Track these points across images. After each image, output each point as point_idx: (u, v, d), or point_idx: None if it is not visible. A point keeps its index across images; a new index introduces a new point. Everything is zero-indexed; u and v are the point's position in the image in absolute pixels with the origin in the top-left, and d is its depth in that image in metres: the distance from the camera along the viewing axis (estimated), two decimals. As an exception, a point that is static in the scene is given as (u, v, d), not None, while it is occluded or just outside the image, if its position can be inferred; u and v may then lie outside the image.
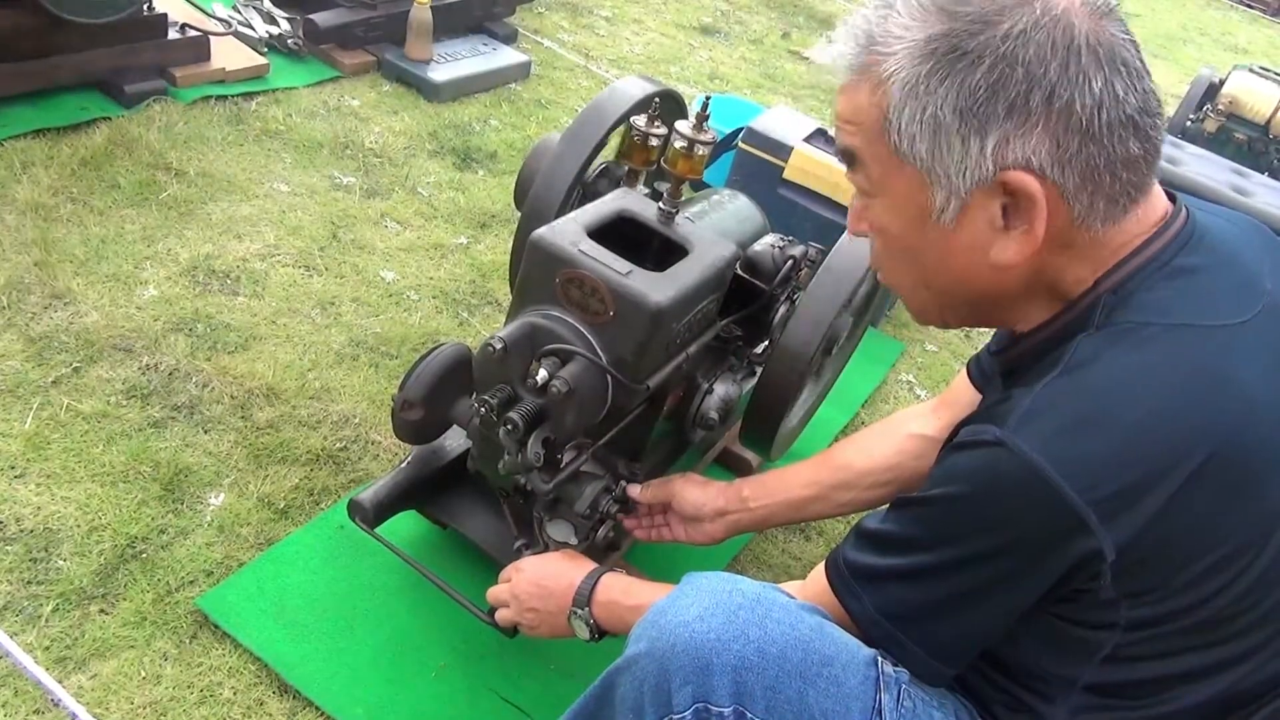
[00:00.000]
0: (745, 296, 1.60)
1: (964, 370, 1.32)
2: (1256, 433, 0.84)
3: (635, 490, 1.50)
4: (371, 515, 1.47)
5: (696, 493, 1.48)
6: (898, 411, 1.54)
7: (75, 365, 1.77)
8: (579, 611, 1.25)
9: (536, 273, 1.36)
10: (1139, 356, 0.85)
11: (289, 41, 2.97)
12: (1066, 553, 0.84)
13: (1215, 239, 0.93)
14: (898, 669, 0.98)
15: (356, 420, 1.84)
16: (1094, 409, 0.83)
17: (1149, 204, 0.91)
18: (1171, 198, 0.95)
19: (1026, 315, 0.96)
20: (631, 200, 1.51)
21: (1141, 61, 0.85)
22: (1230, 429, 0.83)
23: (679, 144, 1.45)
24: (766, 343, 1.68)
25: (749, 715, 0.91)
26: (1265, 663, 0.91)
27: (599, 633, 1.25)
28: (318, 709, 1.37)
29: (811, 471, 1.46)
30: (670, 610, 0.96)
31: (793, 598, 0.99)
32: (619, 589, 1.25)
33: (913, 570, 0.94)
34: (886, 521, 0.98)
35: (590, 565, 1.32)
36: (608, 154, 1.77)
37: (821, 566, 1.06)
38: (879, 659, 0.97)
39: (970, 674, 1.03)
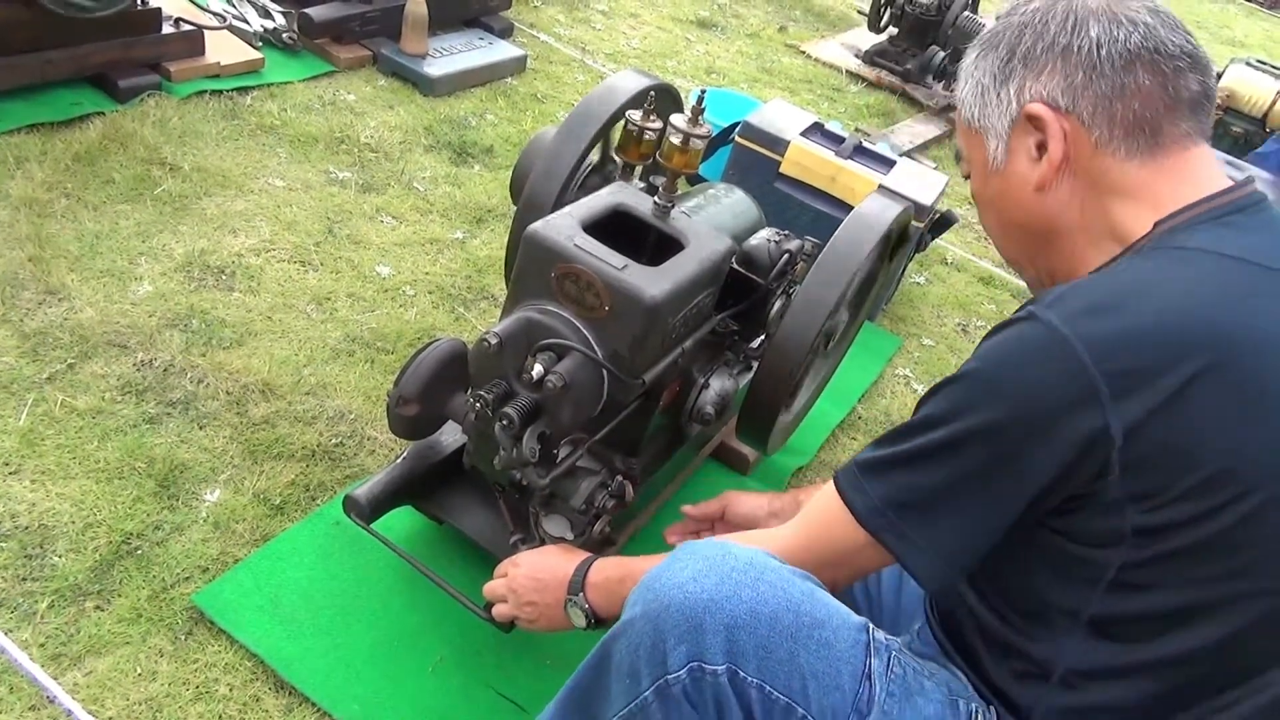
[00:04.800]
0: (741, 291, 1.60)
1: None
2: (1267, 357, 0.88)
3: (689, 507, 1.50)
4: (367, 511, 1.47)
5: (749, 500, 1.49)
6: None
7: (70, 361, 1.77)
8: (574, 598, 1.25)
9: (532, 267, 1.35)
10: (1171, 267, 0.92)
11: (284, 36, 2.96)
12: (1076, 429, 0.87)
13: (1274, 213, 0.99)
14: (889, 637, 1.00)
15: (352, 416, 1.84)
16: (1118, 298, 0.90)
17: (1196, 157, 0.98)
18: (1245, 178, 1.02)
19: (1090, 259, 1.02)
20: (627, 195, 1.51)
21: (1157, 19, 0.97)
22: (1240, 341, 0.87)
23: (674, 138, 1.44)
24: (763, 337, 1.68)
25: (741, 674, 0.94)
26: (1261, 620, 0.91)
27: (595, 619, 1.25)
28: (314, 705, 1.37)
29: None
30: (664, 574, 0.99)
31: (784, 564, 1.00)
32: (611, 568, 1.26)
33: (921, 451, 0.95)
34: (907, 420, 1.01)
35: (585, 557, 1.32)
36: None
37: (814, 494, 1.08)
38: (869, 626, 0.99)
39: (968, 631, 1.05)
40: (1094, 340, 0.87)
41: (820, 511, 1.05)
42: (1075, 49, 0.97)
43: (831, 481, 1.04)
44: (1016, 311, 0.97)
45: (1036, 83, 0.99)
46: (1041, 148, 1.00)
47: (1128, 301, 0.89)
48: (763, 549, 1.02)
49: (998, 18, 1.06)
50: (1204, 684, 0.93)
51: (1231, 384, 0.87)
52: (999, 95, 1.02)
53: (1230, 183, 0.98)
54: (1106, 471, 0.87)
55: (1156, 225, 0.96)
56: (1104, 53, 0.96)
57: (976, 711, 0.99)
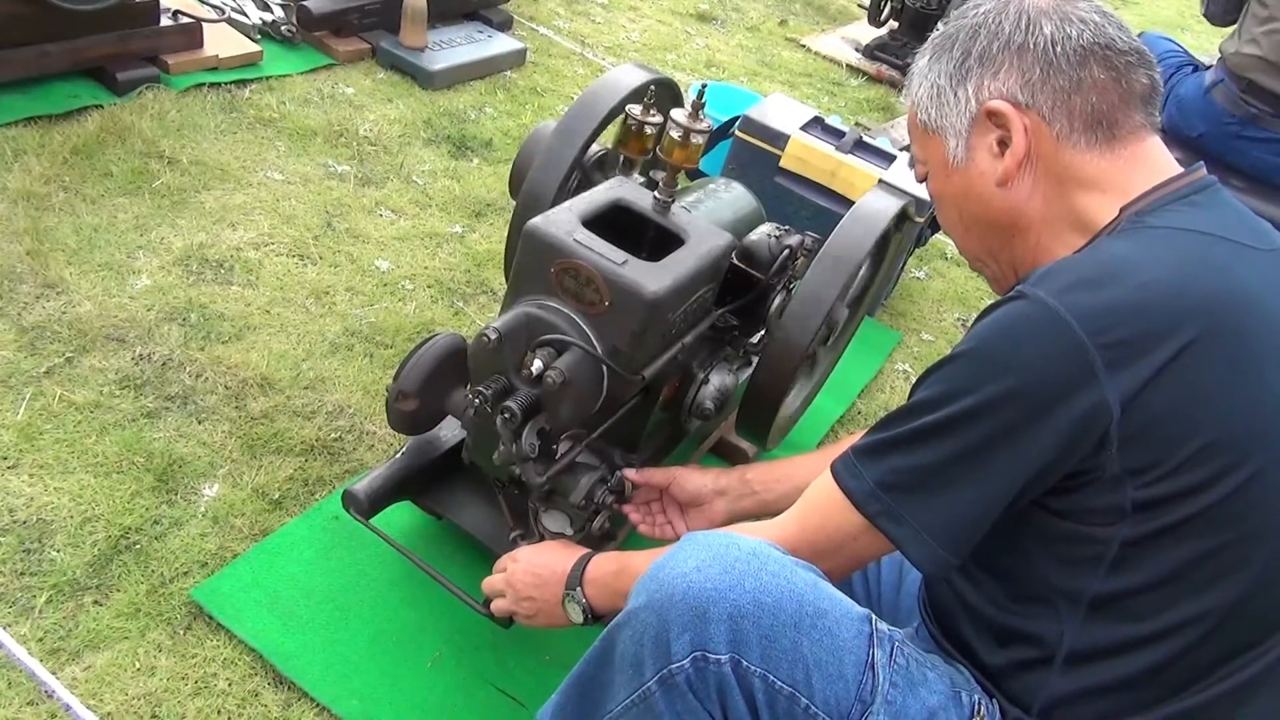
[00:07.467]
0: (741, 286, 1.60)
1: None
2: (1255, 323, 0.90)
3: (632, 472, 1.49)
4: (366, 506, 1.47)
5: (696, 476, 1.48)
6: None
7: (68, 355, 1.77)
8: (572, 593, 1.25)
9: (531, 262, 1.35)
10: (1150, 244, 0.94)
11: (283, 28, 2.95)
12: (1075, 403, 0.87)
13: (1226, 194, 1.01)
14: (891, 628, 1.00)
15: (351, 410, 1.83)
16: (1105, 272, 0.91)
17: (1151, 147, 1.01)
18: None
19: (1053, 250, 1.03)
20: (627, 189, 1.51)
21: (1105, 19, 1.01)
22: (1228, 310, 0.89)
23: (674, 133, 1.44)
24: (763, 332, 1.68)
25: (745, 663, 0.94)
26: (1264, 589, 0.92)
27: (593, 614, 1.25)
28: (313, 700, 1.37)
29: (820, 460, 1.46)
30: (669, 564, 0.99)
31: (788, 555, 1.00)
32: (609, 563, 1.25)
33: (917, 433, 0.95)
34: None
35: (584, 552, 1.32)
36: (604, 140, 1.76)
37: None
38: (872, 617, 0.99)
39: (964, 627, 1.05)
40: (1086, 313, 0.88)
41: (816, 499, 1.05)
42: (1030, 47, 1.00)
43: (828, 470, 1.03)
44: (1005, 295, 0.97)
45: (994, 81, 1.01)
46: (1003, 143, 1.02)
47: (1115, 275, 0.90)
48: (763, 539, 1.02)
49: (944, 23, 1.08)
50: (1207, 653, 0.94)
51: (1222, 352, 0.88)
52: (956, 95, 1.04)
53: (1181, 169, 1.01)
54: (1106, 445, 0.88)
55: (1123, 211, 0.98)
56: (1059, 49, 0.99)
57: (979, 703, 0.99)
